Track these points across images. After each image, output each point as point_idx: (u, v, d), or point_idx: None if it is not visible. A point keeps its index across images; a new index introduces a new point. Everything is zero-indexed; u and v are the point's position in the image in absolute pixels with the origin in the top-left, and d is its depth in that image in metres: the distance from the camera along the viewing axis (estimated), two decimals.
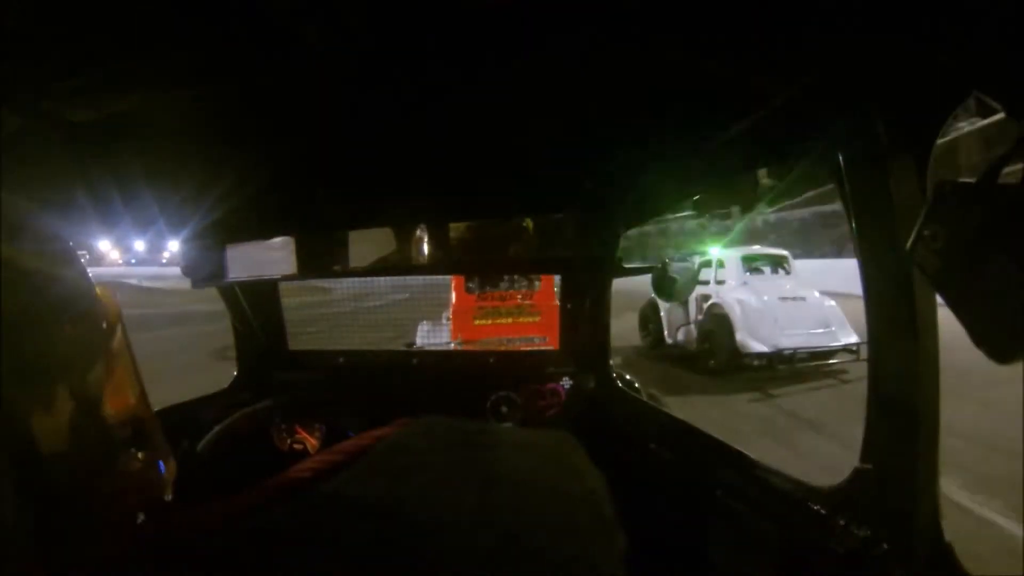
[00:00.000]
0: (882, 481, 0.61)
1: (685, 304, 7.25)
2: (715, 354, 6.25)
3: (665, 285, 1.44)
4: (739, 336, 5.94)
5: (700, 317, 6.84)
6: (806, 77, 0.57)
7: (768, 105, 0.65)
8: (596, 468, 0.49)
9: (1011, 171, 0.35)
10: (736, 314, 6.10)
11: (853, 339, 5.60)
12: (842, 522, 0.65)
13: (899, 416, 0.58)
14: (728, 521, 0.87)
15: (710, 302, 6.59)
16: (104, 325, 0.38)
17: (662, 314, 7.44)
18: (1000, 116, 0.37)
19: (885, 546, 0.59)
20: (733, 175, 0.97)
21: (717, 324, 6.27)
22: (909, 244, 0.41)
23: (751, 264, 6.96)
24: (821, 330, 5.85)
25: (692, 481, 1.00)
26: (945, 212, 0.38)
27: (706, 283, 6.74)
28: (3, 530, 0.27)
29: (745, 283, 6.59)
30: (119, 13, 0.45)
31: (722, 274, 6.76)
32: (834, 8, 0.45)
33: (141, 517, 0.37)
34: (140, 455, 0.39)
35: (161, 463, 0.42)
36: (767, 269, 7.11)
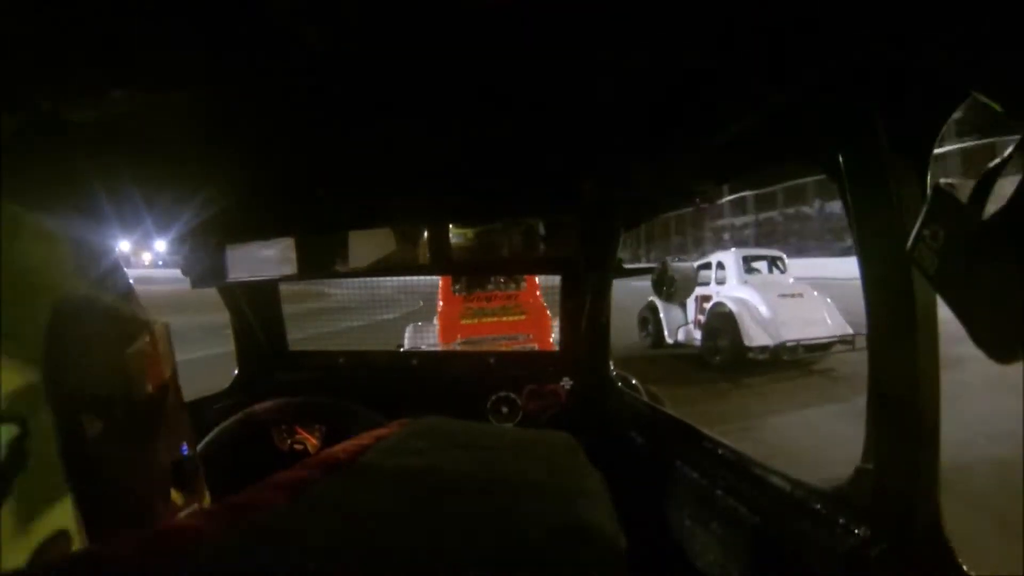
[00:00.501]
0: (882, 481, 0.60)
1: (683, 305, 7.53)
2: (721, 350, 6.54)
3: (665, 285, 1.44)
4: (744, 332, 6.20)
5: (701, 317, 7.08)
6: (806, 77, 0.57)
7: (768, 105, 0.65)
8: (596, 468, 0.49)
9: (1011, 171, 0.35)
10: (740, 312, 6.37)
11: (848, 331, 6.01)
12: (842, 522, 0.65)
13: (899, 416, 0.58)
14: (728, 521, 0.87)
15: (713, 301, 6.84)
16: (158, 351, 0.38)
17: (661, 315, 7.76)
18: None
19: (885, 546, 0.59)
20: (733, 175, 0.97)
21: (722, 322, 6.52)
22: (909, 244, 0.41)
23: (749, 264, 7.29)
24: (818, 323, 6.25)
25: (692, 481, 1.00)
26: (945, 212, 0.38)
27: (706, 284, 7.02)
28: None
29: (746, 282, 6.87)
30: (119, 13, 0.45)
31: (721, 275, 7.08)
32: (834, 8, 0.45)
33: None
34: (182, 497, 0.39)
35: (199, 503, 0.42)
36: (764, 268, 7.45)
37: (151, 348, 0.37)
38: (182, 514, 0.38)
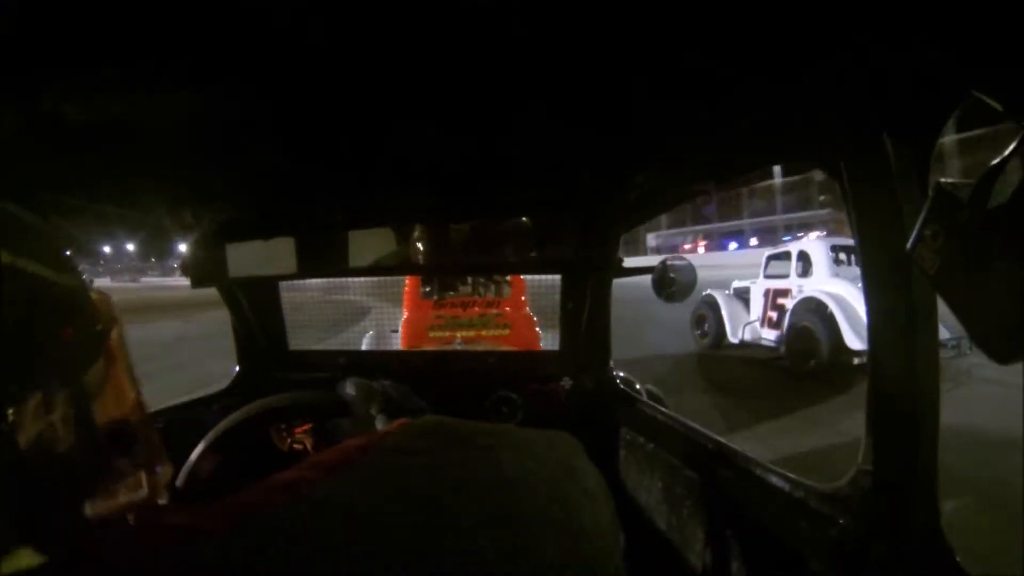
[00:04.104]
0: (882, 481, 0.61)
1: (746, 300, 6.83)
2: (814, 353, 5.50)
3: (665, 285, 1.44)
4: (844, 333, 5.25)
5: (773, 314, 6.22)
6: (806, 77, 0.57)
7: (768, 105, 0.65)
8: (596, 468, 0.49)
9: (1011, 171, 0.35)
10: (837, 309, 5.40)
11: (947, 334, 4.59)
12: (842, 522, 0.65)
13: (899, 416, 0.58)
14: (728, 521, 0.87)
15: (800, 296, 5.91)
16: (99, 328, 0.38)
17: (723, 312, 6.90)
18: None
19: (884, 546, 0.59)
20: (733, 175, 0.97)
21: (816, 320, 5.54)
22: (909, 244, 0.41)
23: (837, 255, 6.17)
24: None
25: (692, 480, 1.00)
26: (945, 212, 0.38)
27: (779, 276, 6.28)
28: None
29: (837, 275, 5.83)
30: (119, 13, 0.45)
31: (803, 267, 6.16)
32: (834, 8, 0.45)
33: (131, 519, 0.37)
34: (133, 460, 0.39)
35: (158, 468, 0.42)
36: (848, 262, 6.25)
37: (92, 316, 0.37)
38: (126, 480, 0.38)
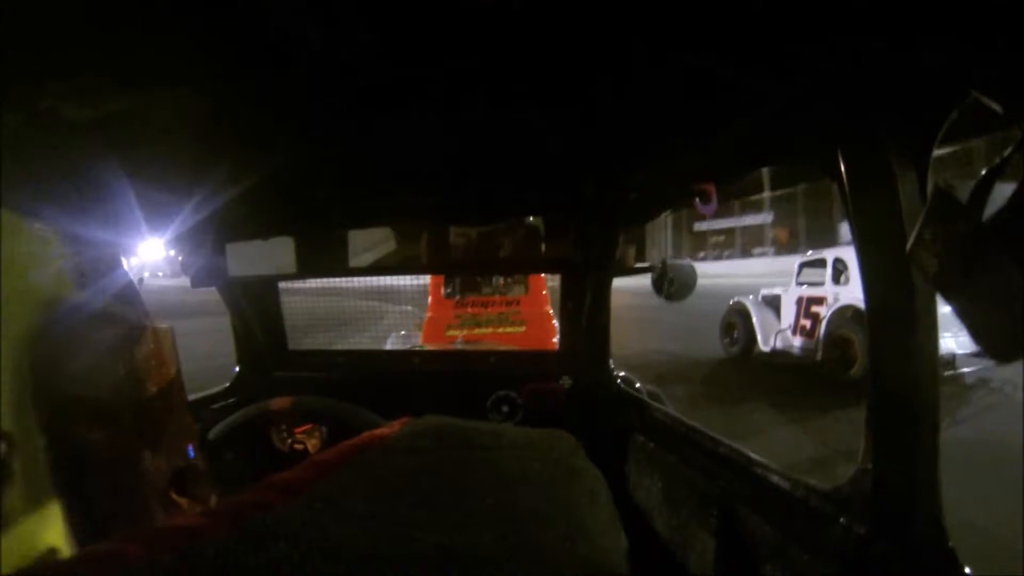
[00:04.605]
0: (882, 481, 0.61)
1: (777, 308, 6.73)
2: (853, 362, 5.34)
3: (665, 285, 1.44)
4: None
5: (807, 322, 6.07)
6: (806, 77, 0.57)
7: (768, 105, 0.65)
8: (596, 468, 0.49)
9: (1011, 171, 0.35)
10: None
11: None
12: (842, 522, 0.65)
13: (899, 416, 0.58)
14: (728, 520, 0.87)
15: (838, 304, 5.75)
16: (155, 357, 0.37)
17: (755, 320, 6.80)
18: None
19: (885, 546, 0.59)
20: (733, 175, 0.97)
21: (856, 328, 5.36)
22: (909, 244, 0.41)
23: None
24: (953, 332, 4.74)
25: (692, 480, 1.00)
26: (945, 212, 0.38)
27: (814, 284, 6.16)
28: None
29: None
30: (119, 13, 0.45)
31: (838, 274, 5.99)
32: (834, 7, 0.45)
33: None
34: (187, 502, 0.39)
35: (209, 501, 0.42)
36: None
37: (151, 351, 0.37)
38: (181, 512, 0.38)
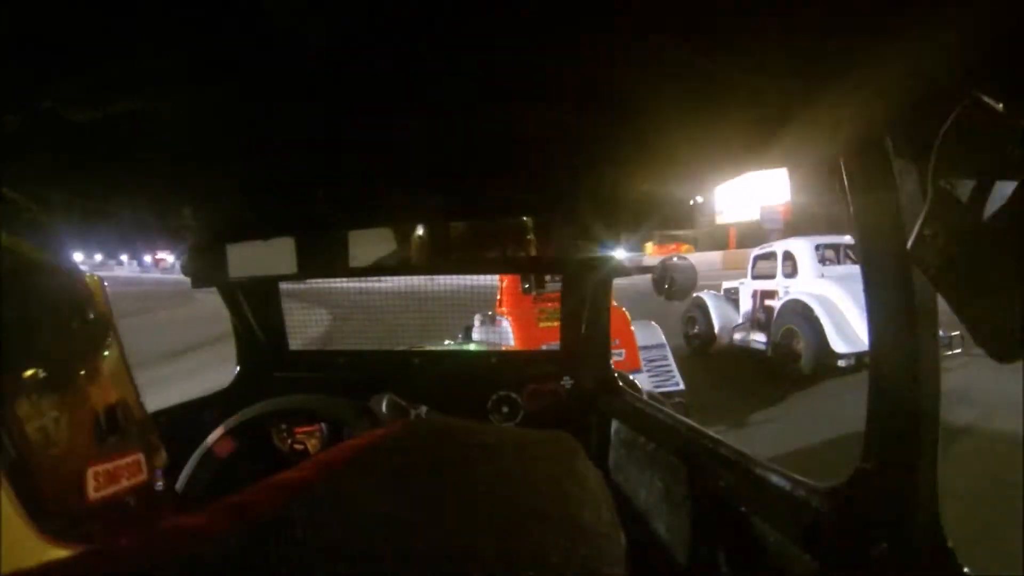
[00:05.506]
0: (882, 481, 0.61)
1: (736, 302, 6.74)
2: (800, 357, 5.44)
3: (665, 285, 1.44)
4: (829, 335, 5.17)
5: (762, 315, 6.12)
6: (806, 76, 0.57)
7: (768, 105, 0.65)
8: (596, 468, 0.49)
9: (1011, 171, 0.35)
10: (821, 311, 5.32)
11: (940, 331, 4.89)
12: (842, 522, 0.65)
13: (899, 416, 0.58)
14: (728, 520, 0.87)
15: (785, 298, 5.82)
16: (92, 315, 0.38)
17: (713, 315, 6.78)
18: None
19: (885, 546, 0.59)
20: (733, 174, 0.97)
21: (799, 322, 5.45)
22: (909, 244, 0.41)
23: (823, 254, 6.05)
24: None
25: (692, 480, 1.00)
26: (945, 212, 0.38)
27: (766, 277, 6.20)
28: None
29: (822, 275, 5.73)
30: (119, 13, 0.45)
31: (789, 266, 6.04)
32: (834, 7, 0.45)
33: (132, 501, 0.37)
34: (125, 442, 0.39)
35: (153, 449, 0.42)
36: (836, 259, 6.13)
37: (74, 294, 0.38)
38: (116, 462, 0.39)
